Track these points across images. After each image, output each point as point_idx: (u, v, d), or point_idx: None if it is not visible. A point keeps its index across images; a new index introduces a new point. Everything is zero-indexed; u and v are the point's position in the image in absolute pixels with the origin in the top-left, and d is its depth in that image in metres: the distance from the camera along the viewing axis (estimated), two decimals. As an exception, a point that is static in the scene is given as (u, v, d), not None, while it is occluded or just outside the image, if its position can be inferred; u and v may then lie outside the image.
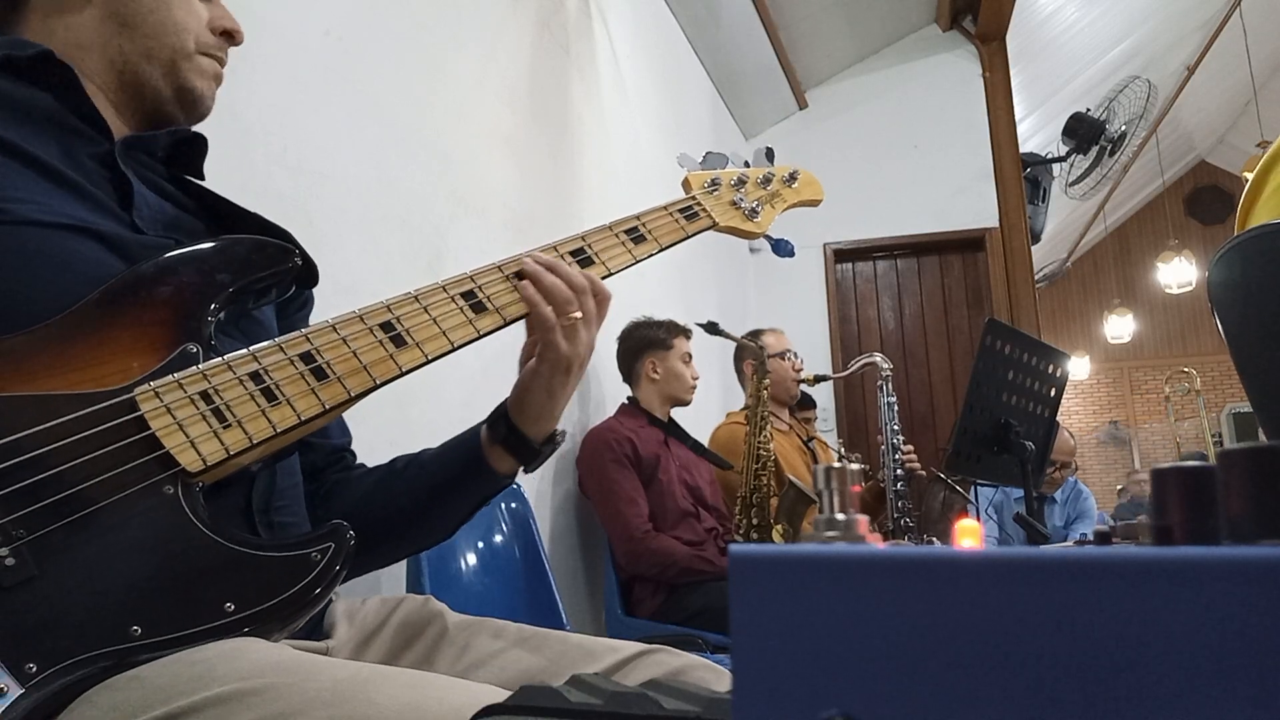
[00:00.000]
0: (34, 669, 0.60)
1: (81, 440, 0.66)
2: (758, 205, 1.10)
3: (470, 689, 0.61)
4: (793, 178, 1.15)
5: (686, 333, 2.66)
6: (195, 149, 0.94)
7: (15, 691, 0.59)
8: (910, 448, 2.80)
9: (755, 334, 3.11)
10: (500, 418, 0.94)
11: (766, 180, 1.13)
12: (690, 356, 2.63)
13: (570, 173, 2.71)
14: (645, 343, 2.62)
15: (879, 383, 2.84)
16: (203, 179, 0.95)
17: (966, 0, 4.65)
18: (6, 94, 0.78)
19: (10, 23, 0.87)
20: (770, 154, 1.16)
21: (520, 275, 0.90)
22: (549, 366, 0.91)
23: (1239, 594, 0.22)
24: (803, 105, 4.81)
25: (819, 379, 3.01)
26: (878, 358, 2.89)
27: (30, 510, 0.63)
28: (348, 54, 1.70)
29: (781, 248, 1.16)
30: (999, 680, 0.24)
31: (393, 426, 1.69)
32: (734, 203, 1.08)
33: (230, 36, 0.95)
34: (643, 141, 3.36)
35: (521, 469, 0.96)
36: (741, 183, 1.10)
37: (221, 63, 0.94)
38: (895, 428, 2.77)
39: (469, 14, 2.20)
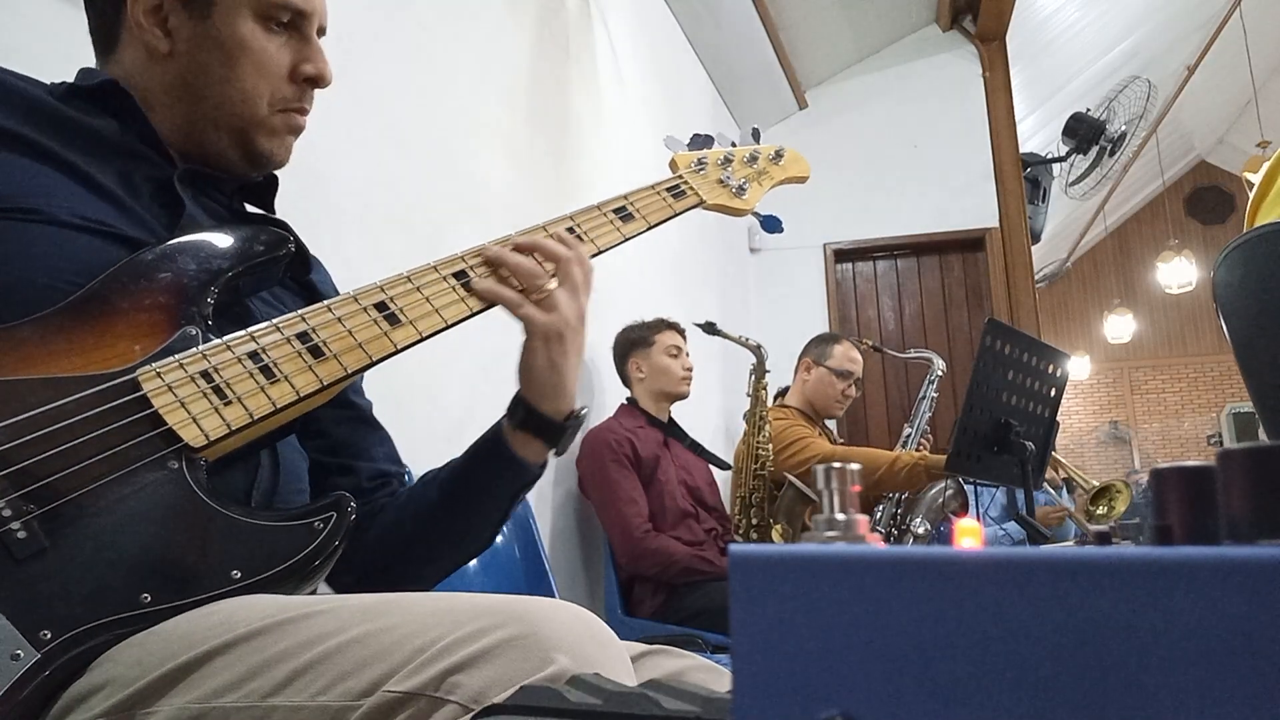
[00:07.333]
0: (49, 635, 0.62)
1: (87, 419, 0.68)
2: (745, 183, 1.09)
3: (497, 599, 0.63)
4: (779, 155, 1.15)
5: (674, 326, 2.65)
6: (266, 185, 0.96)
7: (32, 657, 0.62)
8: (931, 439, 3.01)
9: (829, 339, 3.13)
10: (517, 402, 0.93)
11: (753, 158, 1.13)
12: (679, 349, 2.62)
13: (570, 173, 2.71)
14: (628, 345, 2.63)
15: (930, 378, 3.03)
16: (273, 212, 0.96)
17: (966, 0, 4.65)
18: (72, 120, 0.81)
19: (104, 62, 0.89)
20: (756, 134, 1.16)
21: (517, 250, 0.90)
22: (539, 340, 0.90)
23: (1239, 594, 0.22)
24: (803, 105, 4.80)
25: (875, 349, 3.16)
26: (938, 362, 3.05)
27: (39, 485, 0.65)
28: (348, 54, 1.70)
29: (770, 223, 1.15)
30: (999, 680, 0.24)
31: (392, 429, 1.68)
32: (721, 181, 1.08)
33: (314, 82, 0.90)
34: (642, 142, 3.36)
35: (552, 452, 0.94)
36: (728, 161, 1.10)
37: (303, 112, 0.91)
38: (927, 416, 3.02)
39: (469, 14, 2.20)
